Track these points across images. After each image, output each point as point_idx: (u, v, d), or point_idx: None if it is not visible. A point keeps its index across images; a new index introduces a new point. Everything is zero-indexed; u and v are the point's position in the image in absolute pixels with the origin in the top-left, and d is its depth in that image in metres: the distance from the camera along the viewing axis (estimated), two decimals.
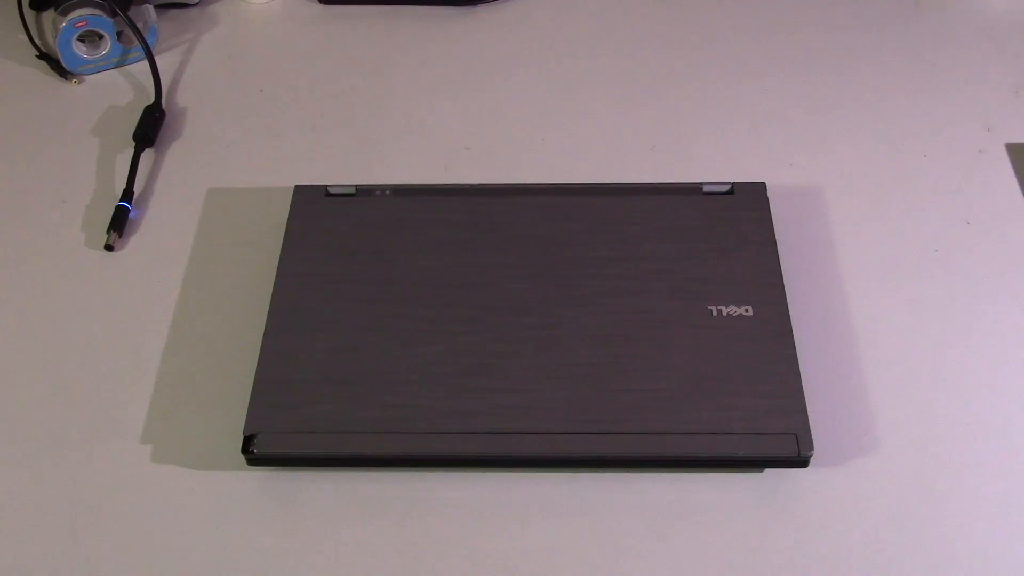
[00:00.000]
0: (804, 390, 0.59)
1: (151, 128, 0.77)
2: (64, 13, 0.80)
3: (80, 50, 0.81)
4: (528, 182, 0.71)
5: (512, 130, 0.78)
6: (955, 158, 0.75)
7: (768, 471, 0.60)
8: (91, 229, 0.72)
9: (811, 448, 0.57)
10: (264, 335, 0.62)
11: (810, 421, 0.58)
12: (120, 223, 0.71)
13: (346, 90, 0.82)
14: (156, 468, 0.60)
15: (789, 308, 0.63)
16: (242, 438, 0.58)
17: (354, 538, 0.58)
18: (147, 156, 0.77)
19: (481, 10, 0.88)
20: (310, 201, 0.69)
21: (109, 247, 0.71)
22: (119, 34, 0.82)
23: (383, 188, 0.70)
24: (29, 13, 0.86)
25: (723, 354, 0.61)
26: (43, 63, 0.83)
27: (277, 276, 0.65)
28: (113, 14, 0.80)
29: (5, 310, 0.68)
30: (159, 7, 0.85)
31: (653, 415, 0.58)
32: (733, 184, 0.69)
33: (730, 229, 0.66)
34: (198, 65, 0.84)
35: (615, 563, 0.57)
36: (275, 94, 0.81)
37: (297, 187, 0.70)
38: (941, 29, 0.85)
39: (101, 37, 0.81)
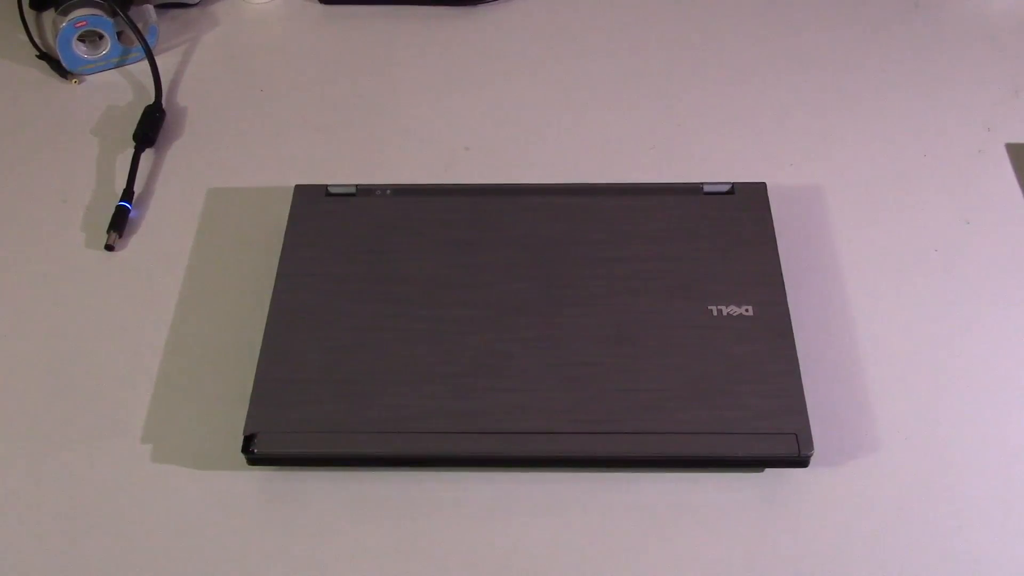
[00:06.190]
0: (804, 390, 0.59)
1: (151, 128, 0.77)
2: (64, 13, 0.80)
3: (80, 50, 0.81)
4: (528, 182, 0.71)
5: (512, 130, 0.78)
6: (955, 158, 0.75)
7: (768, 471, 0.60)
8: (91, 229, 0.72)
9: (811, 448, 0.57)
10: (264, 335, 0.62)
11: (810, 421, 0.58)
12: (120, 223, 0.71)
13: (346, 90, 0.82)
14: (156, 468, 0.60)
15: (789, 308, 0.63)
16: (242, 438, 0.58)
17: (354, 538, 0.58)
18: (147, 156, 0.77)
19: (481, 10, 0.88)
20: (310, 201, 0.69)
21: (109, 247, 0.71)
22: (119, 34, 0.82)
23: (383, 188, 0.70)
24: (29, 13, 0.86)
25: (723, 354, 0.60)
26: (43, 63, 0.83)
27: (277, 276, 0.65)
28: (113, 14, 0.80)
29: (5, 310, 0.68)
30: (159, 7, 0.85)
31: (653, 415, 0.58)
32: (733, 184, 0.69)
33: (730, 229, 0.66)
34: (198, 65, 0.84)
35: (615, 563, 0.57)
36: (275, 94, 0.81)
37: (297, 187, 0.70)
38: (941, 29, 0.85)
39: (101, 37, 0.81)
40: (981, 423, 0.61)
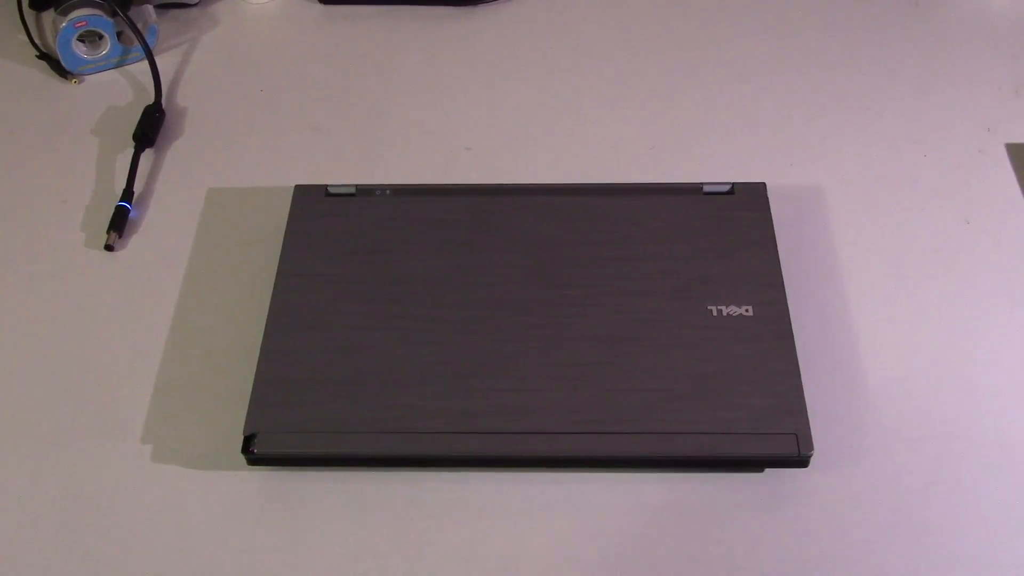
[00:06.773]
0: (804, 390, 0.59)
1: (151, 128, 0.77)
2: (64, 13, 0.80)
3: (80, 50, 0.81)
4: (528, 182, 0.71)
5: (512, 130, 0.78)
6: (955, 158, 0.75)
7: (768, 471, 0.60)
8: (91, 229, 0.72)
9: (811, 448, 0.57)
10: (264, 335, 0.62)
11: (810, 421, 0.58)
12: (120, 223, 0.71)
13: (346, 90, 0.82)
14: (156, 468, 0.60)
15: (789, 308, 0.63)
16: (242, 438, 0.58)
17: (354, 538, 0.58)
18: (147, 156, 0.77)
19: (481, 10, 0.88)
20: (310, 201, 0.69)
21: (109, 247, 0.71)
22: (119, 34, 0.82)
23: (383, 188, 0.70)
24: (29, 13, 0.86)
25: (723, 354, 0.61)
26: (43, 63, 0.83)
27: (277, 276, 0.65)
28: (113, 14, 0.80)
29: (5, 310, 0.68)
30: (159, 7, 0.85)
31: (653, 415, 0.58)
32: (733, 184, 0.69)
33: (730, 229, 0.66)
34: (198, 65, 0.84)
35: (615, 563, 0.57)
36: (275, 94, 0.81)
37: (297, 187, 0.70)
38: (941, 29, 0.85)
39: (101, 37, 0.81)
40: (981, 423, 0.61)
